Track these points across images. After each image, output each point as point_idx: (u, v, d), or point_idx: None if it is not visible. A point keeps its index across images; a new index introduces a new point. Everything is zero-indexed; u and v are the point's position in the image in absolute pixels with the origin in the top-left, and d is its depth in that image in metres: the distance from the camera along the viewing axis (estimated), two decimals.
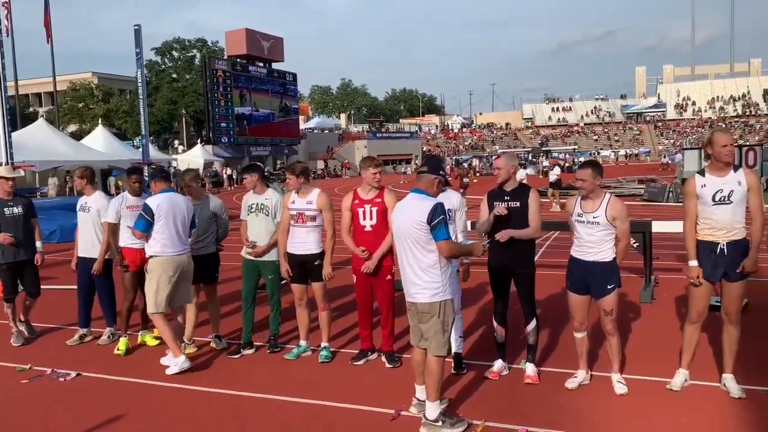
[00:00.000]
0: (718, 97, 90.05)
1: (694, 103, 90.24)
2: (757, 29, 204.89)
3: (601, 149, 76.08)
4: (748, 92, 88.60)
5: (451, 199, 5.23)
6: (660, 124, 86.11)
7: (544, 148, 70.38)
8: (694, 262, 4.73)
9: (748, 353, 5.51)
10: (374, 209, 5.55)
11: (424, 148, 77.89)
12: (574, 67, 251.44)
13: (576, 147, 73.11)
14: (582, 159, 37.30)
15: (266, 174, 6.61)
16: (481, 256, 4.62)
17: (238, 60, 54.96)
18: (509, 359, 5.47)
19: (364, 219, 5.58)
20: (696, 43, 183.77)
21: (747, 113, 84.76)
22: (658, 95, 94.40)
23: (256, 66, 56.45)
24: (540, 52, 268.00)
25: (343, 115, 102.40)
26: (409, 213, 4.29)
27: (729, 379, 4.76)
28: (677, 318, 6.79)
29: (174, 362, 5.59)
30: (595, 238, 4.80)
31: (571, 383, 4.96)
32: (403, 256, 4.39)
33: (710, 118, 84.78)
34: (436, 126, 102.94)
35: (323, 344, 5.91)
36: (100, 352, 6.36)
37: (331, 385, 5.23)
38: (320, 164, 63.11)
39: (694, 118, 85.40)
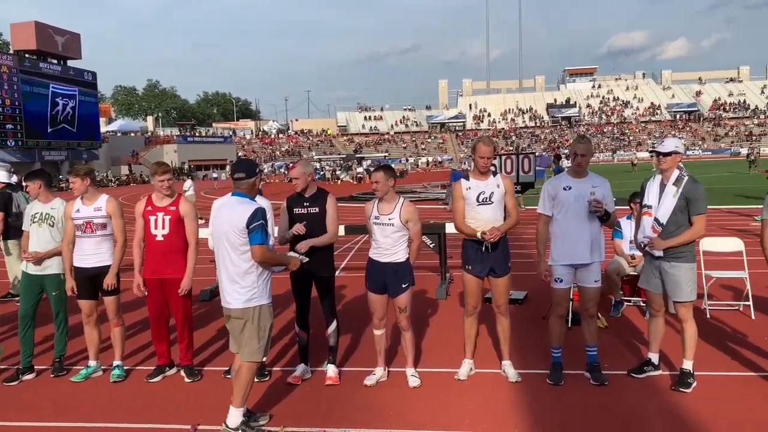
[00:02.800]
0: (509, 109, 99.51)
1: (489, 115, 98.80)
2: (541, 50, 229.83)
3: (410, 157, 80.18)
4: (534, 106, 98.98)
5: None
6: (460, 133, 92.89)
7: (357, 155, 72.47)
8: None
9: (525, 340, 6.14)
10: (167, 218, 5.29)
11: (240, 153, 76.26)
12: (384, 78, 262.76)
13: (387, 154, 76.30)
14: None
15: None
16: (296, 269, 4.65)
17: (27, 55, 49.75)
18: (312, 362, 5.54)
19: (156, 228, 5.30)
20: (491, 60, 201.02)
21: (534, 125, 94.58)
22: (469, 106, 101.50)
23: (48, 63, 51.51)
24: (351, 62, 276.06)
25: (150, 118, 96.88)
26: (229, 216, 4.24)
27: (507, 365, 5.27)
28: None
29: None
30: (391, 240, 5.05)
31: (369, 380, 5.15)
32: (220, 261, 4.31)
33: (503, 128, 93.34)
34: (252, 131, 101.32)
35: (116, 362, 5.53)
36: None
37: (125, 405, 4.90)
38: (124, 169, 59.04)
39: (489, 128, 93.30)
